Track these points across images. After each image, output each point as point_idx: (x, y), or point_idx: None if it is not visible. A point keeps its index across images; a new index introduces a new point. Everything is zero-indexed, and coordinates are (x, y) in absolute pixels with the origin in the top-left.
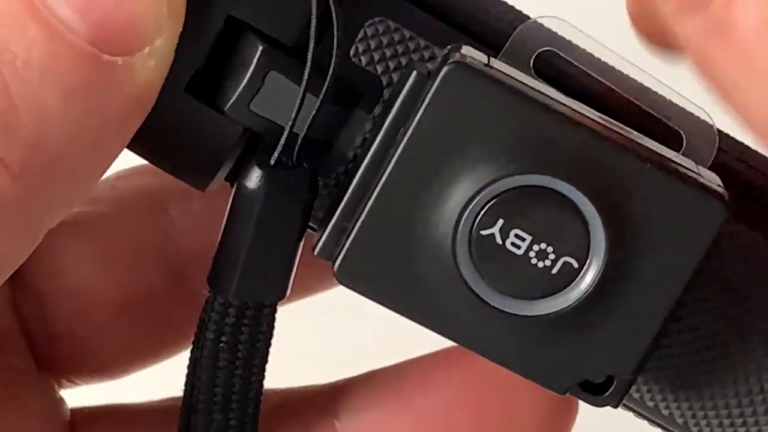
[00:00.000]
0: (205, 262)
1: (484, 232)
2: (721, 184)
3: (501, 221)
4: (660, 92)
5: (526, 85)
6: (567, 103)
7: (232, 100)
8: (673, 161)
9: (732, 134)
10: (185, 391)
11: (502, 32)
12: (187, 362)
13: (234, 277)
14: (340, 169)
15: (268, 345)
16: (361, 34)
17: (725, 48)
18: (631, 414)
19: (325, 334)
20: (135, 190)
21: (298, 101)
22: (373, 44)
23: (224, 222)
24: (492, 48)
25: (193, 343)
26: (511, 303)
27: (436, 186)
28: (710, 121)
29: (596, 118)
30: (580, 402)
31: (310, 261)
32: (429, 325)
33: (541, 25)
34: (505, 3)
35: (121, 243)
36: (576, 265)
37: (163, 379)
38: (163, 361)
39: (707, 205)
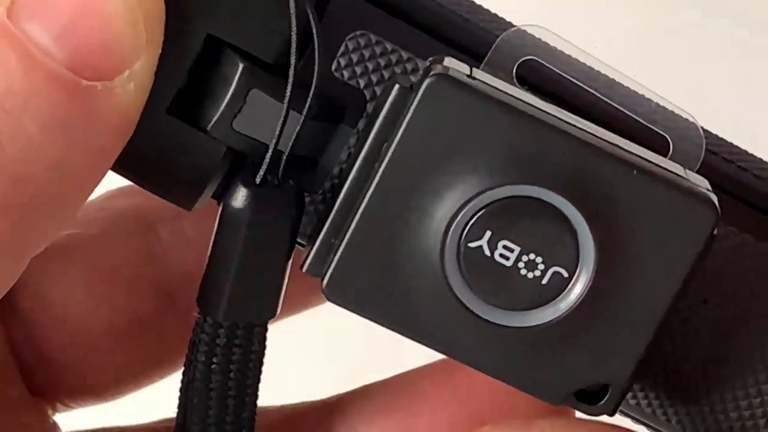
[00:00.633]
0: (195, 282)
1: (472, 245)
2: (710, 187)
3: (489, 233)
4: (645, 97)
5: (510, 94)
6: (551, 112)
7: (215, 119)
8: (661, 166)
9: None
10: (178, 414)
11: (485, 41)
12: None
13: (223, 297)
14: (327, 185)
15: (261, 364)
16: (342, 48)
17: None
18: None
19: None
20: (124, 212)
21: (282, 118)
22: (355, 58)
23: (211, 242)
24: (475, 58)
25: (184, 365)
26: (502, 315)
27: (423, 199)
28: (696, 124)
29: (582, 126)
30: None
31: (299, 277)
32: (420, 340)
33: (524, 34)
34: (488, 11)
35: (111, 265)
36: (566, 275)
37: (157, 399)
38: (157, 381)
39: (697, 210)
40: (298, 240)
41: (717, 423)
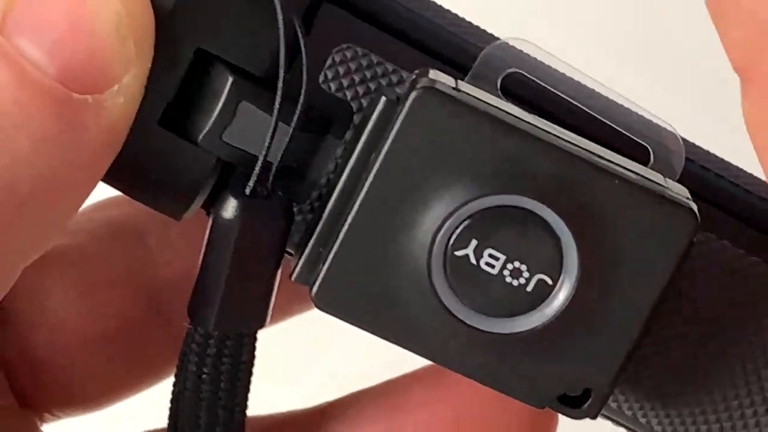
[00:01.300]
0: (184, 291)
1: (458, 253)
2: (689, 196)
3: (475, 242)
4: (626, 108)
5: (494, 106)
6: (535, 123)
7: (205, 131)
8: (641, 175)
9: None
10: (169, 425)
11: (470, 54)
12: (169, 390)
13: (213, 308)
14: (314, 195)
15: (250, 374)
16: (329, 61)
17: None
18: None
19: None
20: (112, 221)
21: (271, 130)
22: (341, 71)
23: (202, 253)
24: (460, 70)
25: (175, 375)
26: (488, 321)
27: (409, 209)
28: (676, 134)
29: (565, 137)
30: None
31: (287, 284)
32: (408, 347)
33: (508, 47)
34: (473, 25)
35: (101, 275)
36: (550, 282)
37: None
38: (145, 390)
39: (676, 218)
40: (287, 249)
41: (696, 427)
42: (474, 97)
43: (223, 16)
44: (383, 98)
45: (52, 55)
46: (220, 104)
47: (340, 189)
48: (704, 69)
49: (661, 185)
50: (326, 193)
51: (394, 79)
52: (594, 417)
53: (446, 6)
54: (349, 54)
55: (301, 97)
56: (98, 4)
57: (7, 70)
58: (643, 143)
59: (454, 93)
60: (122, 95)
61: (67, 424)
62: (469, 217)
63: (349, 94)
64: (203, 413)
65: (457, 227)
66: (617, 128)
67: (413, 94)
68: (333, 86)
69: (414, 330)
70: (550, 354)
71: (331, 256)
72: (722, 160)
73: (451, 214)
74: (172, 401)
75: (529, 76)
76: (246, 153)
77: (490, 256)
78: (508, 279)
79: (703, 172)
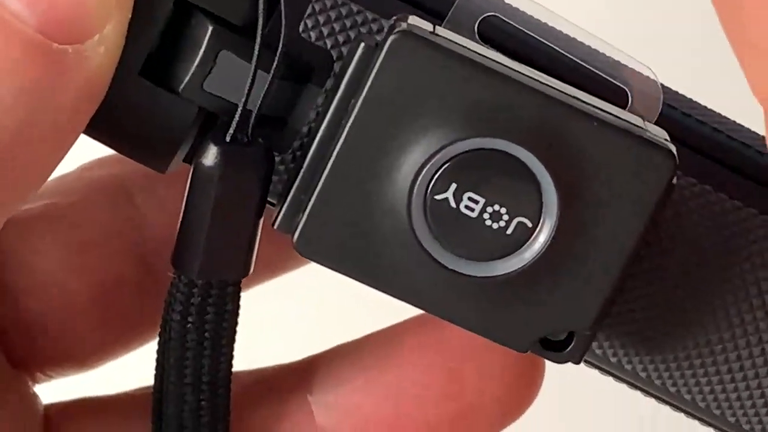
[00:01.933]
0: (170, 250)
1: (438, 197)
2: (668, 138)
3: (454, 185)
4: (604, 52)
5: (472, 50)
6: (513, 67)
7: (186, 80)
8: (620, 118)
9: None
10: (156, 375)
11: (448, 1)
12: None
13: (197, 256)
14: (296, 144)
15: (235, 324)
16: (309, 10)
17: None
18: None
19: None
20: (100, 180)
21: (250, 78)
22: (321, 19)
23: (183, 202)
24: (440, 18)
25: (160, 326)
26: (468, 265)
27: (389, 154)
28: (655, 78)
29: (543, 80)
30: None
31: (274, 240)
32: (390, 292)
33: None
34: None
35: (90, 234)
36: (530, 225)
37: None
38: (137, 348)
39: (655, 159)
40: (269, 200)
41: (681, 371)
42: (451, 41)
43: None
44: (362, 44)
45: (32, 6)
46: (200, 53)
47: (320, 136)
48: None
49: (639, 127)
50: (307, 142)
51: (374, 27)
52: (577, 361)
53: None
54: (328, 3)
55: (280, 45)
56: None
57: None
58: (622, 86)
59: (430, 37)
60: (103, 45)
61: (57, 384)
62: (448, 160)
63: (329, 43)
64: (189, 362)
65: (436, 171)
66: (595, 71)
67: (391, 39)
68: (313, 35)
69: (395, 275)
70: (532, 297)
71: (311, 202)
72: (705, 108)
73: (430, 158)
74: (158, 351)
75: (506, 20)
76: (227, 102)
77: (470, 199)
78: (488, 222)
79: (684, 118)
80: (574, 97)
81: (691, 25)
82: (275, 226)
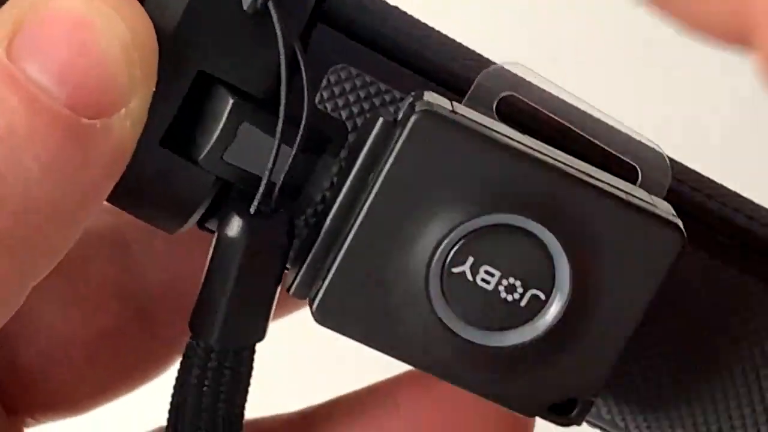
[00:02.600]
0: (166, 297)
1: (455, 270)
2: (675, 213)
3: (471, 259)
4: (616, 129)
5: (491, 128)
6: (530, 144)
7: (206, 151)
8: (630, 194)
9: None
10: None
11: (463, 77)
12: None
13: (216, 323)
14: (309, 211)
15: (248, 384)
16: (324, 82)
17: None
18: None
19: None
20: (97, 229)
21: (274, 151)
22: (336, 91)
23: (205, 270)
24: (451, 90)
25: (174, 387)
26: (484, 335)
27: (408, 228)
28: (663, 154)
29: (558, 157)
30: None
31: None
32: (406, 360)
33: (503, 70)
34: (463, 46)
35: (86, 282)
36: (543, 297)
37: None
38: (128, 394)
39: (663, 235)
40: None
41: None
42: (470, 119)
43: (224, 38)
44: (381, 119)
45: (61, 81)
46: (221, 125)
47: (337, 207)
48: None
49: (647, 202)
50: (322, 211)
51: (388, 98)
52: (579, 424)
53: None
54: (343, 74)
55: (303, 119)
56: (105, 28)
57: (17, 96)
58: (632, 162)
59: (452, 116)
60: (129, 119)
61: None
62: (465, 235)
63: (344, 114)
64: (203, 424)
65: (454, 245)
66: (607, 148)
67: (414, 118)
68: (329, 106)
69: (412, 344)
70: (542, 365)
71: (332, 272)
72: (711, 181)
73: (448, 233)
74: (170, 411)
75: (523, 98)
76: (246, 172)
77: (486, 272)
78: (503, 294)
79: (694, 192)
80: (586, 173)
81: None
82: (290, 293)
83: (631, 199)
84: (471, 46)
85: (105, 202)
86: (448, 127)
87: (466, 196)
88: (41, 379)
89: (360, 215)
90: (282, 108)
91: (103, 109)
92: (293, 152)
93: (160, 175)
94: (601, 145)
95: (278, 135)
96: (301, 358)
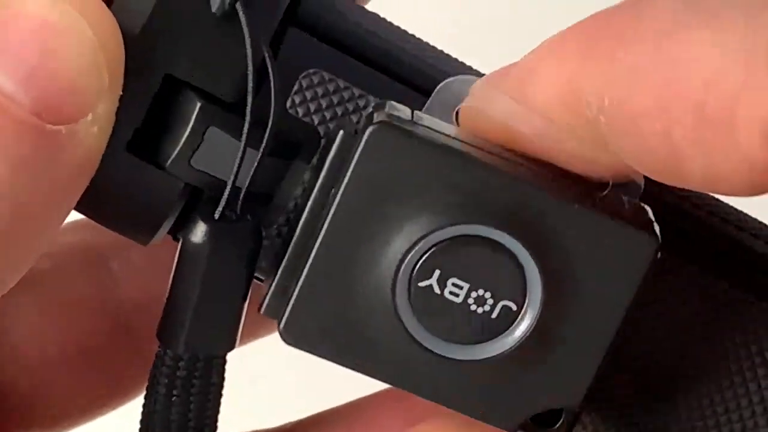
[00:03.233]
0: (147, 312)
1: (422, 284)
2: (652, 217)
3: (438, 272)
4: None
5: (450, 136)
6: (492, 152)
7: (173, 156)
8: (602, 198)
9: None
10: None
11: (434, 79)
12: (133, 413)
13: (183, 331)
14: (281, 220)
15: (220, 396)
16: (296, 86)
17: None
18: None
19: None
20: (73, 245)
21: (239, 156)
22: (309, 95)
23: (171, 277)
24: (425, 95)
25: (144, 398)
26: (455, 349)
27: (372, 243)
28: None
29: (523, 164)
30: None
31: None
32: (378, 377)
33: (466, 79)
34: (437, 50)
35: (64, 297)
36: (515, 308)
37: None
38: (109, 412)
39: (637, 240)
40: (255, 274)
41: None
42: (429, 128)
43: (191, 42)
44: (341, 132)
45: (26, 87)
46: (188, 129)
47: (303, 222)
48: None
49: (621, 206)
50: (293, 221)
51: (361, 103)
52: None
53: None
54: (315, 79)
55: (270, 123)
56: (71, 34)
57: None
58: None
59: (409, 126)
60: (96, 125)
61: None
62: (430, 248)
63: (316, 119)
64: None
65: (419, 259)
66: None
67: (368, 130)
68: (300, 111)
69: (383, 361)
70: (519, 377)
71: (296, 293)
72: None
73: (412, 246)
74: (141, 422)
75: None
76: (214, 178)
77: (454, 285)
78: (473, 307)
79: (673, 198)
80: (555, 180)
81: None
82: (262, 311)
83: (601, 204)
84: (446, 50)
85: (81, 217)
86: (404, 138)
87: (428, 208)
88: (17, 396)
89: (322, 231)
90: (248, 111)
91: (69, 115)
92: (258, 156)
93: (127, 182)
94: None
95: (244, 139)
96: (280, 371)
